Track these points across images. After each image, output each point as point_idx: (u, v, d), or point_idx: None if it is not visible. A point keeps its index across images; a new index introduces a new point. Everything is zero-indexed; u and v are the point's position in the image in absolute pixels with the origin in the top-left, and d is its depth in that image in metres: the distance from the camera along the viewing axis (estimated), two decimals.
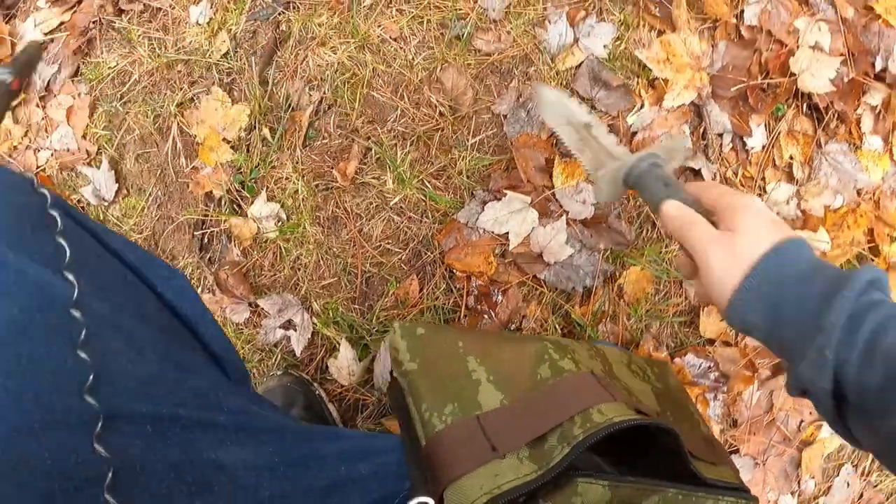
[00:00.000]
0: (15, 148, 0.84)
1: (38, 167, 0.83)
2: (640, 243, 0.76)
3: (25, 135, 0.84)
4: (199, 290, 0.78)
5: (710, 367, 0.78)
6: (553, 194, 0.75)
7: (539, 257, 0.74)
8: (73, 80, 0.83)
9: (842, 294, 0.34)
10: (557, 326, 0.74)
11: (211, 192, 0.78)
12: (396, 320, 0.53)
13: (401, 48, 0.76)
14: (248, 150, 0.77)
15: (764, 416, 0.80)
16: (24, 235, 0.32)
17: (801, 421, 0.82)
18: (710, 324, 0.77)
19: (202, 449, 0.36)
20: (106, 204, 0.81)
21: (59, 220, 0.34)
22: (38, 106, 0.84)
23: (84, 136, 0.82)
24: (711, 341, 0.78)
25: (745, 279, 0.37)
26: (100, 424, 0.31)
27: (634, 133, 0.77)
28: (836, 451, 0.84)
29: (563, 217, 0.75)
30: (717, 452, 0.53)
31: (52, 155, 0.83)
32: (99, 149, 0.82)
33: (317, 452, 0.43)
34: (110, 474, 0.31)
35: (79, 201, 0.82)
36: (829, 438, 0.83)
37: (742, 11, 0.78)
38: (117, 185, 0.81)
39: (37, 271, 0.31)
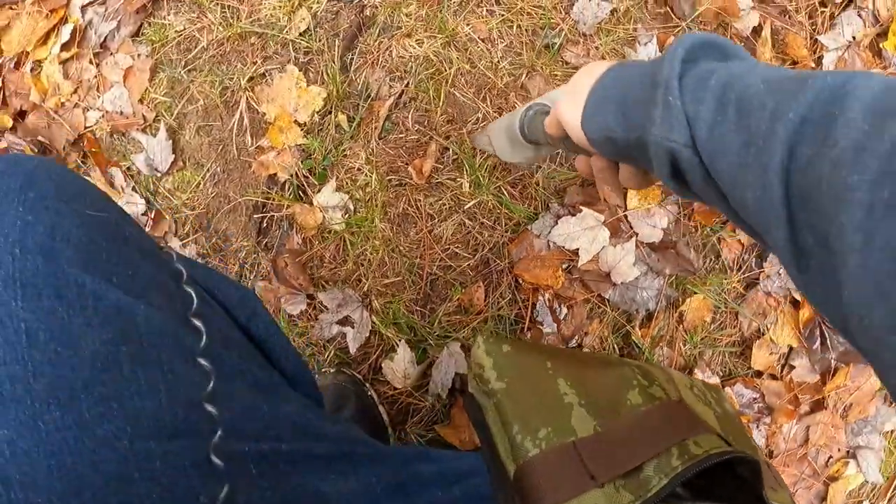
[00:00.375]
0: (62, 104, 0.78)
1: (86, 127, 0.78)
2: (704, 272, 0.76)
3: (75, 91, 0.79)
4: (252, 277, 0.75)
5: (755, 399, 0.79)
6: (626, 215, 0.74)
7: (606, 276, 0.74)
8: (132, 40, 0.78)
9: (670, 51, 0.30)
10: (616, 346, 0.74)
11: (275, 174, 0.74)
12: (480, 334, 0.49)
13: (487, 50, 0.74)
14: (320, 136, 0.73)
15: (798, 449, 0.81)
16: (99, 255, 0.28)
17: (830, 457, 0.84)
18: (761, 356, 0.78)
19: (306, 483, 0.34)
20: (158, 175, 0.76)
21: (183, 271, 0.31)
22: (91, 63, 0.78)
23: (141, 101, 0.77)
24: (759, 373, 0.79)
25: (588, 98, 0.36)
26: (218, 435, 0.28)
27: None
28: (858, 489, 0.86)
29: (633, 239, 0.74)
30: (776, 477, 0.53)
31: (102, 116, 0.78)
32: (157, 116, 0.77)
33: (414, 477, 0.41)
34: (225, 489, 0.28)
35: (128, 169, 0.77)
36: (853, 476, 0.85)
37: (821, 57, 0.79)
38: (173, 156, 0.76)
39: (116, 296, 0.27)
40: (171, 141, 0.76)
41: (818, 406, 0.81)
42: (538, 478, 0.41)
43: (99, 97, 0.78)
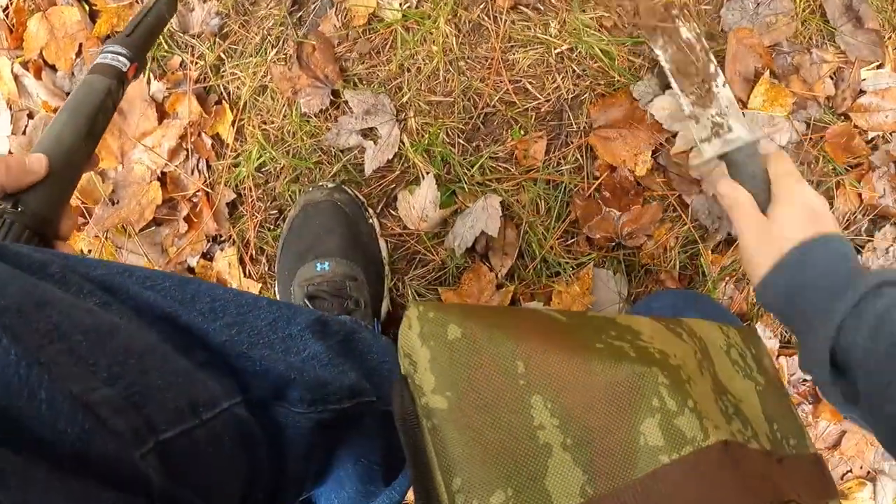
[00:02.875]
0: None
1: None
2: None
3: None
4: (272, 54, 0.56)
5: (807, 381, 0.62)
6: (744, 113, 0.55)
7: (696, 180, 0.55)
8: None
9: (850, 291, 0.35)
10: (677, 263, 0.56)
11: None
12: (412, 301, 0.30)
13: None
14: None
15: (824, 451, 0.66)
16: None
17: (849, 471, 0.69)
18: None
19: None
20: None
21: None
22: None
23: None
24: None
25: (769, 271, 0.39)
26: None
27: (862, 92, 0.57)
28: None
29: None
30: (826, 481, 0.37)
31: None
32: None
33: None
34: None
35: None
36: (865, 500, 0.70)
37: None
38: None
39: None
40: None
41: None
42: None
43: None
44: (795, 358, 0.61)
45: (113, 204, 0.61)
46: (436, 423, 0.26)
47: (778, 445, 0.37)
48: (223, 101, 0.57)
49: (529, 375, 0.27)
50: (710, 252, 0.56)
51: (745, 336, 0.43)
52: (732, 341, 0.41)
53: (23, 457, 0.19)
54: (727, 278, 0.57)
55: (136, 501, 0.22)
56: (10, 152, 0.66)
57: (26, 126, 0.66)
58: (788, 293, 0.39)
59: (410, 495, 0.54)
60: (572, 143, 0.54)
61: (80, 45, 0.64)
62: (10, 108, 0.67)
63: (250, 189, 0.57)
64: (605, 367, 0.28)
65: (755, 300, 0.43)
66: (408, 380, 0.28)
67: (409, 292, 0.55)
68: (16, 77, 0.67)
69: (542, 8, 0.53)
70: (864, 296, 0.34)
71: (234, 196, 0.57)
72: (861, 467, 0.69)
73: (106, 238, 0.61)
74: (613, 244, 0.55)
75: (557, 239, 0.54)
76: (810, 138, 0.56)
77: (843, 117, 0.57)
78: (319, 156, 0.55)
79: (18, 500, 0.18)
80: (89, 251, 0.62)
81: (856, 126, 0.57)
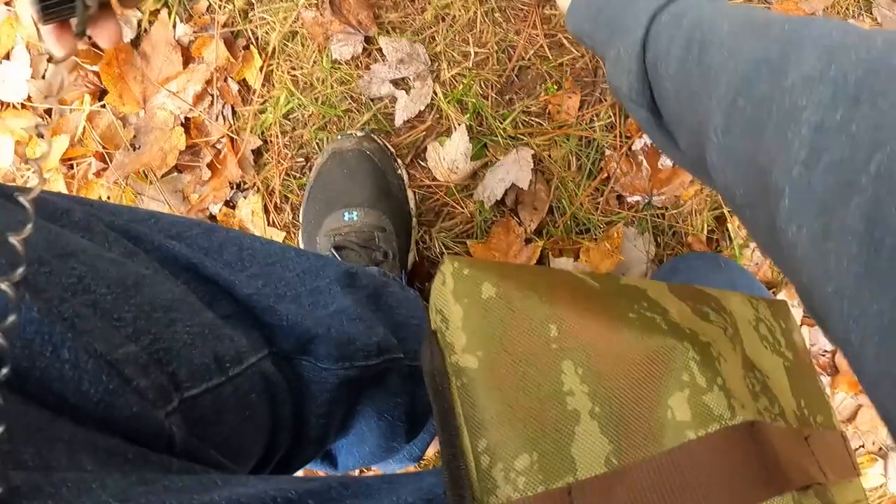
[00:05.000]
0: None
1: None
2: None
3: None
4: (301, 1, 0.55)
5: (826, 352, 0.62)
6: None
7: None
8: None
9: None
10: (705, 226, 0.56)
11: None
12: (447, 256, 0.28)
13: None
14: None
15: (841, 424, 0.66)
16: None
17: (862, 446, 0.69)
18: None
19: None
20: None
21: None
22: None
23: None
24: None
25: None
26: None
27: None
28: (870, 491, 0.71)
29: None
30: (851, 459, 0.36)
31: None
32: None
33: None
34: None
35: None
36: (874, 476, 0.70)
37: None
38: None
39: None
40: None
41: None
42: None
43: None
44: (816, 329, 0.61)
45: (134, 149, 0.60)
46: (465, 381, 0.25)
47: (805, 422, 0.36)
48: (251, 46, 0.56)
49: (562, 340, 0.27)
50: (737, 219, 0.56)
51: (776, 310, 0.41)
52: (762, 315, 0.39)
53: (47, 414, 0.19)
54: (752, 245, 0.57)
55: (160, 458, 0.21)
56: (28, 97, 0.64)
57: (45, 70, 0.65)
58: (592, 8, 0.32)
59: (430, 451, 0.53)
60: (606, 100, 0.53)
61: None
62: (30, 52, 0.65)
63: (277, 136, 0.55)
64: (637, 338, 0.28)
65: (569, 32, 0.36)
66: (437, 336, 0.27)
67: (437, 245, 0.54)
68: (35, 21, 0.65)
69: None
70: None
71: (259, 143, 0.56)
72: (873, 443, 0.69)
73: (126, 184, 0.59)
74: (643, 204, 0.55)
75: (588, 196, 0.53)
76: None
77: None
78: (349, 104, 0.54)
79: (43, 455, 0.17)
80: (108, 198, 0.61)
81: None
